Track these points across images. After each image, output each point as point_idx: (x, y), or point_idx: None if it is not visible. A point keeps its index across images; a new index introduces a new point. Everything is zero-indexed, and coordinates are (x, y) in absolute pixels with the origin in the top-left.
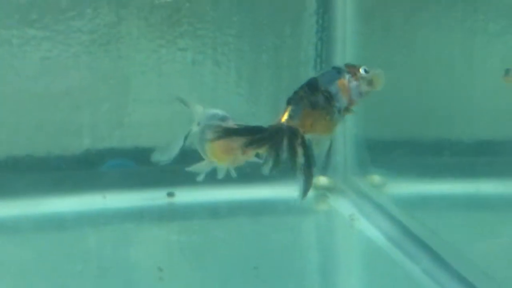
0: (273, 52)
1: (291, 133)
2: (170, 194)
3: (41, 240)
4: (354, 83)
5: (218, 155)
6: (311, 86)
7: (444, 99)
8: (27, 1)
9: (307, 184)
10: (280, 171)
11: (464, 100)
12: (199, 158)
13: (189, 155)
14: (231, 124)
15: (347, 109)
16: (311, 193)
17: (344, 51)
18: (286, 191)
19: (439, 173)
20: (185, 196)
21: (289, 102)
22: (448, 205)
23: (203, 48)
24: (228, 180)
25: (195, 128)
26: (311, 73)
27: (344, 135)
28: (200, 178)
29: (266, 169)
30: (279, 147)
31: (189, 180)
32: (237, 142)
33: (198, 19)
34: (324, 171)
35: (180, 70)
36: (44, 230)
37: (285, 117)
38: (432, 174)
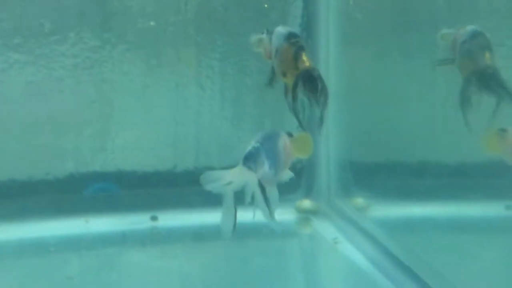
0: (257, 76)
1: None
2: (154, 218)
3: (23, 265)
4: None
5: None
6: None
7: (427, 121)
8: (10, 25)
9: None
10: None
11: (447, 122)
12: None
13: (173, 179)
14: None
15: None
16: (294, 216)
17: (327, 76)
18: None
19: (423, 195)
20: (169, 220)
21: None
22: (431, 228)
23: (187, 72)
24: (211, 203)
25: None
26: None
27: (327, 158)
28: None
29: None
30: None
31: (173, 203)
32: None
33: (182, 42)
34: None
35: (164, 93)
36: (26, 255)
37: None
38: (416, 197)
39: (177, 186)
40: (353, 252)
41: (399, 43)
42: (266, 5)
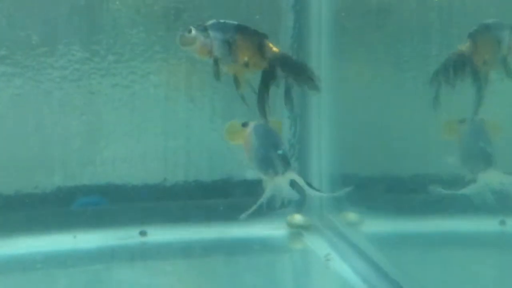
0: (249, 89)
1: None
2: (143, 233)
3: (9, 282)
4: None
5: None
6: None
7: (420, 135)
8: None
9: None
10: None
11: (440, 136)
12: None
13: (163, 193)
14: None
15: None
16: (285, 231)
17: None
18: (260, 230)
19: (416, 210)
20: (158, 235)
21: None
22: (424, 244)
23: (177, 84)
24: (201, 219)
25: None
26: (285, 109)
27: (319, 172)
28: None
29: None
30: None
31: (162, 218)
32: None
33: (171, 54)
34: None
35: (153, 106)
36: (12, 272)
37: None
38: (409, 212)
39: (167, 200)
40: (345, 269)
41: (391, 55)
42: (257, 16)
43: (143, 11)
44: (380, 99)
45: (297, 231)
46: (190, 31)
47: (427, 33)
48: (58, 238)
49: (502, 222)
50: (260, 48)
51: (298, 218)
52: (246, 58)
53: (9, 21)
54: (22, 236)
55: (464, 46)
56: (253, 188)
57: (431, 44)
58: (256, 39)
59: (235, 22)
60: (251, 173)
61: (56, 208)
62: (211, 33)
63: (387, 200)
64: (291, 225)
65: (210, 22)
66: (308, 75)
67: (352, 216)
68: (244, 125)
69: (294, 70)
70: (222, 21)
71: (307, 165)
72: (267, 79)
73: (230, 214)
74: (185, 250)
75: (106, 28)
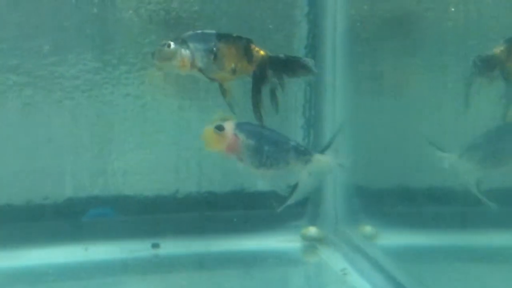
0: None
1: None
2: (155, 246)
3: None
4: None
5: None
6: None
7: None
8: (8, 46)
9: None
10: None
11: (456, 148)
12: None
13: (175, 204)
14: None
15: None
16: (299, 244)
17: (333, 97)
18: (274, 242)
19: (432, 223)
20: (171, 247)
21: None
22: (442, 257)
23: (190, 94)
24: (214, 231)
25: None
26: (300, 119)
27: (334, 184)
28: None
29: None
30: None
31: (175, 231)
32: None
33: None
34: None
35: (165, 116)
36: (22, 284)
37: None
38: (425, 224)
39: (180, 211)
40: (362, 283)
41: (407, 65)
42: (270, 26)
43: (155, 21)
44: (395, 109)
45: (312, 244)
46: (169, 46)
47: (443, 43)
48: (69, 250)
49: None
50: (246, 53)
51: (312, 231)
52: (233, 65)
53: (21, 30)
54: (33, 247)
55: (498, 50)
56: (266, 199)
57: (447, 54)
58: (241, 44)
59: (213, 31)
60: (262, 184)
61: (67, 219)
62: (191, 45)
63: (403, 212)
64: (306, 238)
65: (187, 34)
66: (300, 64)
67: (367, 229)
68: (220, 128)
69: (285, 67)
70: (199, 31)
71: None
72: (258, 82)
73: (244, 226)
74: (198, 263)
75: (118, 37)
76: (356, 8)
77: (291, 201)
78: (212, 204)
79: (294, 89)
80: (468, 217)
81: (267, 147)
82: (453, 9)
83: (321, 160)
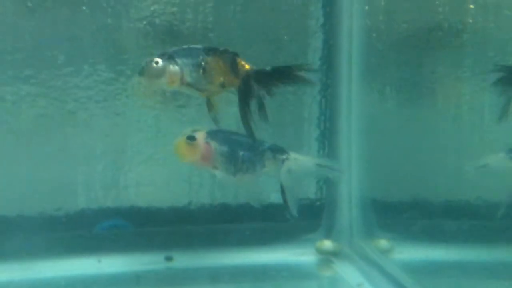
0: (276, 110)
1: None
2: (168, 258)
3: None
4: None
5: None
6: None
7: (454, 159)
8: (22, 56)
9: None
10: None
11: (473, 160)
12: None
13: (188, 216)
14: None
15: None
16: (314, 257)
17: (349, 109)
18: (288, 256)
19: (450, 237)
20: (184, 260)
21: None
22: (460, 272)
23: (203, 106)
24: (229, 244)
25: None
26: (314, 131)
27: (349, 196)
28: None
29: None
30: None
31: (188, 243)
32: None
33: None
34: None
35: (178, 127)
36: None
37: None
38: (442, 239)
39: (193, 224)
40: None
41: (424, 76)
42: (285, 37)
43: (169, 31)
44: (412, 122)
45: (327, 257)
46: (156, 62)
47: (459, 55)
48: (82, 262)
49: None
50: (233, 67)
51: (327, 244)
52: (222, 79)
53: (35, 40)
54: (46, 259)
55: None
56: (279, 212)
57: (464, 66)
58: (227, 58)
59: (199, 46)
60: (275, 196)
61: (80, 231)
62: (179, 60)
63: (420, 226)
64: (320, 251)
65: (173, 50)
66: (294, 72)
67: (383, 242)
68: (191, 138)
69: (273, 79)
70: (185, 46)
71: (336, 189)
72: (245, 96)
73: (257, 239)
74: (211, 276)
75: (132, 48)
76: (372, 19)
77: (290, 205)
78: (225, 217)
79: (308, 101)
80: (488, 231)
81: (241, 152)
82: (471, 21)
83: (298, 158)
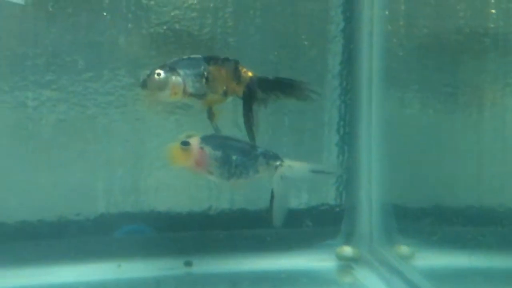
0: (295, 115)
1: None
2: (188, 264)
3: None
4: None
5: None
6: None
7: (475, 165)
8: (42, 61)
9: None
10: None
11: (495, 166)
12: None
13: (208, 222)
14: None
15: None
16: (334, 263)
17: (369, 114)
18: (308, 262)
19: (471, 243)
20: (204, 265)
21: None
22: (484, 280)
23: (222, 110)
24: (248, 249)
25: None
26: (334, 136)
27: (369, 202)
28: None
29: None
30: None
31: (207, 248)
32: None
33: None
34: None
35: (197, 132)
36: None
37: None
38: (464, 245)
39: (212, 229)
40: None
41: (444, 82)
42: (305, 42)
43: (190, 36)
44: (433, 127)
45: (347, 263)
46: (158, 74)
47: (481, 60)
48: (102, 266)
49: None
50: (235, 74)
51: (347, 250)
52: (224, 87)
53: (55, 46)
54: (65, 264)
55: None
56: (299, 217)
57: (485, 72)
58: (229, 66)
59: (200, 56)
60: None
61: (99, 236)
62: (181, 71)
63: (441, 232)
64: (341, 258)
65: (173, 60)
66: (299, 88)
67: (403, 249)
68: (185, 143)
69: (275, 88)
70: (185, 57)
71: (356, 196)
72: (249, 103)
73: (277, 245)
74: (231, 282)
75: (152, 53)
76: (393, 24)
77: (276, 213)
78: (245, 222)
79: (328, 106)
80: (510, 237)
81: (235, 157)
82: (492, 25)
83: (292, 165)
